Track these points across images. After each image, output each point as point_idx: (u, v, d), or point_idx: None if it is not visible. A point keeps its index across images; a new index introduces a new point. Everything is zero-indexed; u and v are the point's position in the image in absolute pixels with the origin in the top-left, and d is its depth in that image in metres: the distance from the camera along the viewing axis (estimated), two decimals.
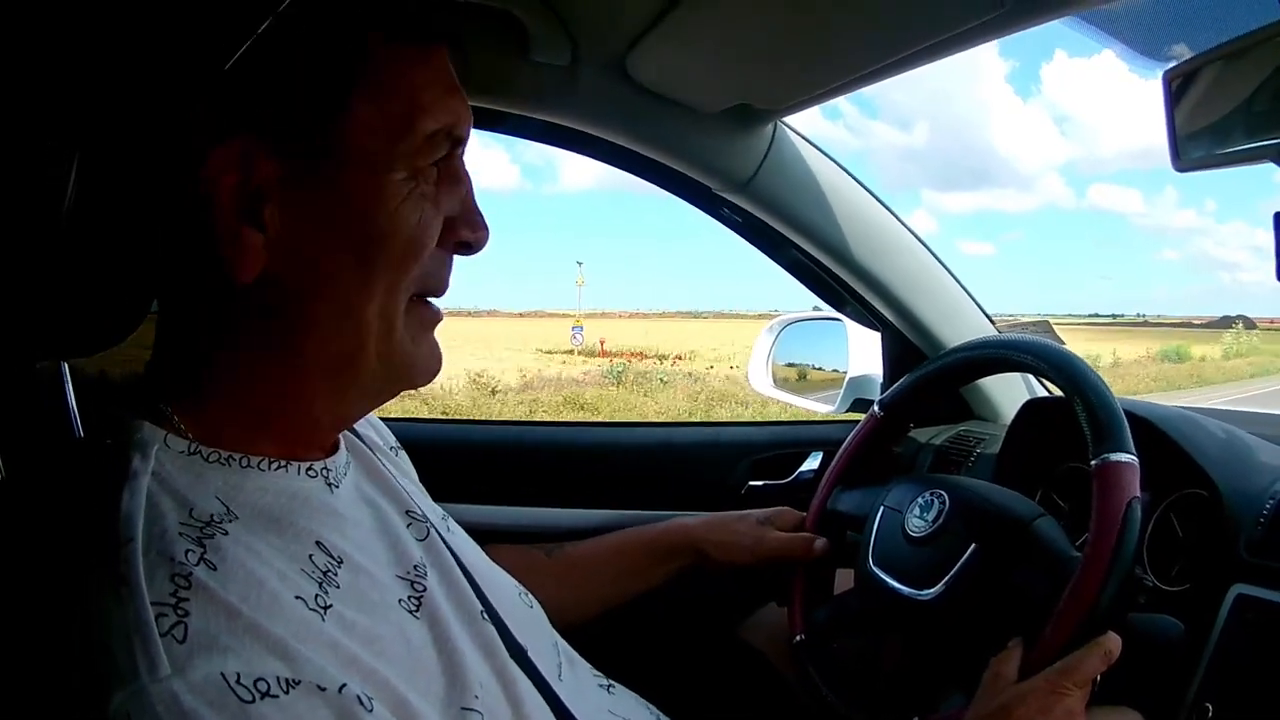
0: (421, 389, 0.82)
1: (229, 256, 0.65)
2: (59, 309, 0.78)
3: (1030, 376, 1.63)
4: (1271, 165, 0.77)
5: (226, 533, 0.61)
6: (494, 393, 12.96)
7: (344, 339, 0.69)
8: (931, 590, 1.02)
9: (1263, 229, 0.77)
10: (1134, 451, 0.92)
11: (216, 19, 0.62)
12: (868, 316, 1.65)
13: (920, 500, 1.09)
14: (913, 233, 1.58)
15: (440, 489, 0.98)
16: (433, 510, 0.88)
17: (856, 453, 1.27)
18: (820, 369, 1.87)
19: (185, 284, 0.70)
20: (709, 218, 1.59)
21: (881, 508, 1.15)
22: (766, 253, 1.62)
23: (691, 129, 1.41)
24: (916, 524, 1.08)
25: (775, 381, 1.89)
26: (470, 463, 1.66)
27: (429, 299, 0.75)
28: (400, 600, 0.70)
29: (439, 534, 0.82)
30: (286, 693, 0.54)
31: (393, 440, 1.00)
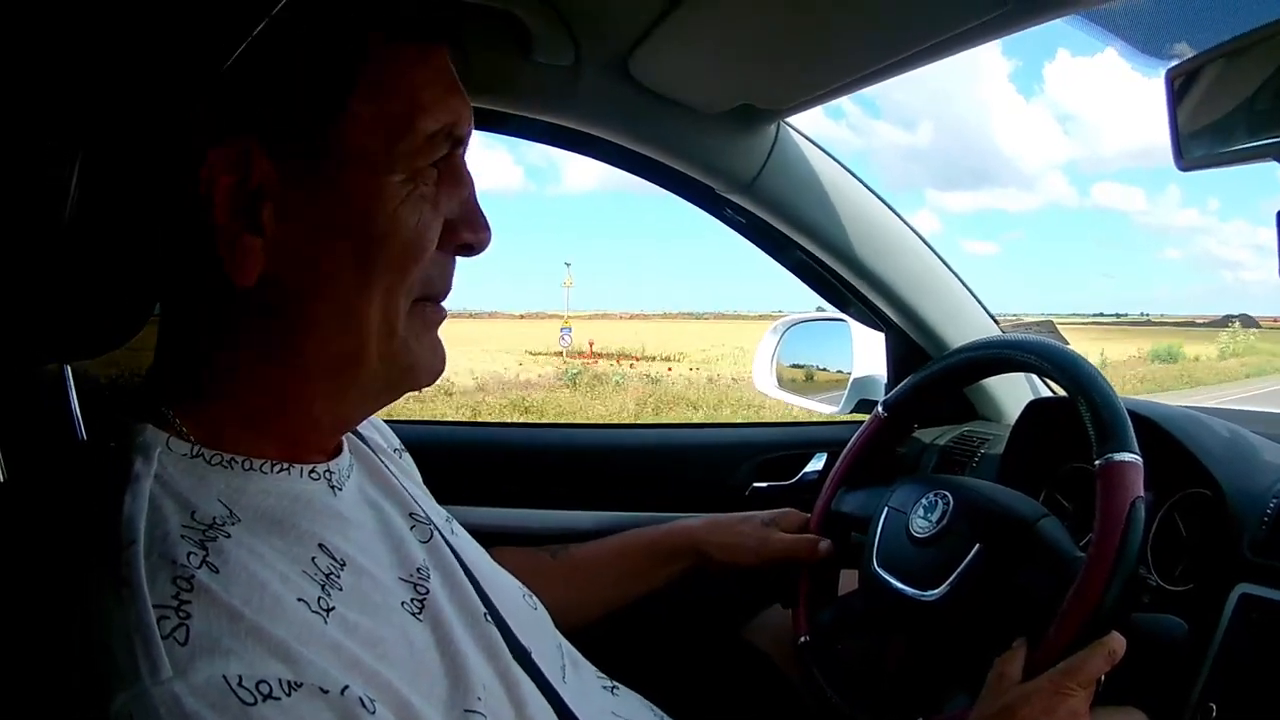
0: None
1: (227, 258, 0.65)
2: (61, 312, 0.78)
3: (1034, 377, 1.63)
4: (1274, 164, 0.77)
5: (229, 535, 0.61)
6: (449, 394, 12.88)
7: (345, 340, 0.69)
8: (936, 591, 1.02)
9: (1264, 227, 0.77)
10: (1138, 451, 0.92)
11: (213, 20, 0.62)
12: (872, 317, 1.65)
13: (924, 501, 1.09)
14: (916, 233, 1.57)
15: (444, 491, 0.98)
16: (436, 512, 0.88)
17: (860, 453, 1.27)
18: (825, 370, 1.87)
19: (186, 286, 0.70)
20: (712, 219, 1.59)
21: (886, 508, 1.15)
22: (770, 254, 1.62)
23: (694, 129, 1.41)
24: (921, 524, 1.07)
25: (780, 382, 1.89)
26: (474, 465, 1.66)
27: (432, 301, 0.74)
28: (403, 603, 0.70)
29: (442, 536, 0.82)
30: (288, 695, 0.54)
31: (396, 442, 1.00)
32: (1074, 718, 0.85)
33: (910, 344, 1.63)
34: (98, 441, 0.69)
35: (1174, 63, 0.83)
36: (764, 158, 1.44)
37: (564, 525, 1.58)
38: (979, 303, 1.63)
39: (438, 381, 0.78)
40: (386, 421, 1.03)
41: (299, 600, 0.61)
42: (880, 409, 1.27)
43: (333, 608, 0.62)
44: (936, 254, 1.59)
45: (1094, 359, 1.04)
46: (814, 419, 1.87)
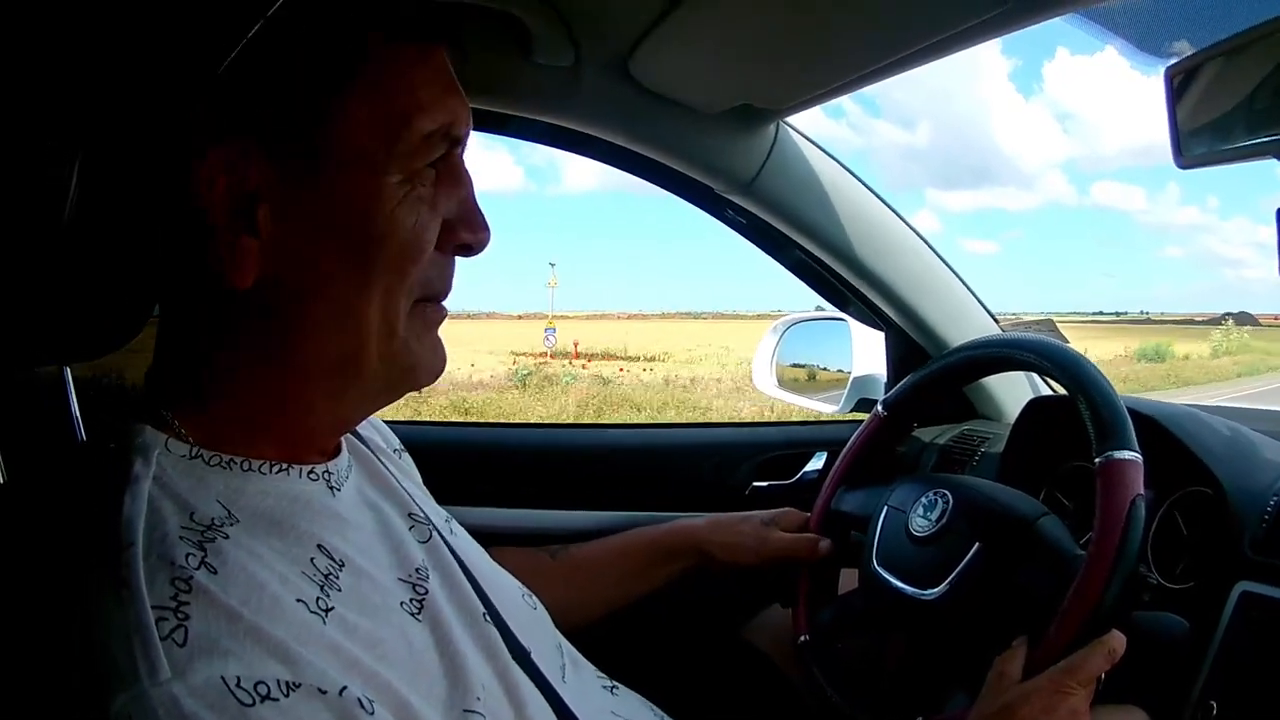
0: None
1: (224, 260, 0.65)
2: (61, 313, 0.78)
3: (1034, 375, 1.63)
4: (1273, 161, 0.77)
5: (227, 536, 0.61)
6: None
7: (344, 340, 0.68)
8: (935, 590, 1.02)
9: (1265, 225, 0.77)
10: (1138, 449, 0.92)
11: (210, 21, 0.62)
12: (871, 316, 1.65)
13: (924, 500, 1.09)
14: (916, 232, 1.57)
15: (444, 491, 0.98)
16: (436, 513, 0.88)
17: (860, 453, 1.27)
18: (824, 369, 1.87)
19: (184, 287, 0.70)
20: (712, 219, 1.59)
21: (885, 507, 1.15)
22: (770, 253, 1.62)
23: (694, 130, 1.41)
24: (920, 523, 1.07)
25: (780, 382, 1.89)
26: (474, 465, 1.66)
27: (432, 302, 0.74)
28: (402, 603, 0.70)
29: (441, 536, 0.82)
30: (287, 696, 0.54)
31: (396, 443, 1.00)
32: (1074, 716, 0.85)
33: (910, 343, 1.63)
34: (97, 443, 0.69)
35: (1173, 60, 0.83)
36: (763, 157, 1.43)
37: (564, 525, 1.58)
38: (978, 301, 1.63)
39: None
40: (386, 422, 1.03)
41: (298, 601, 0.60)
42: (880, 408, 1.27)
43: (331, 608, 0.62)
44: (936, 253, 1.59)
45: None
46: (814, 418, 1.87)
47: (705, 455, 1.72)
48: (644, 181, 1.54)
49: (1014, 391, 1.64)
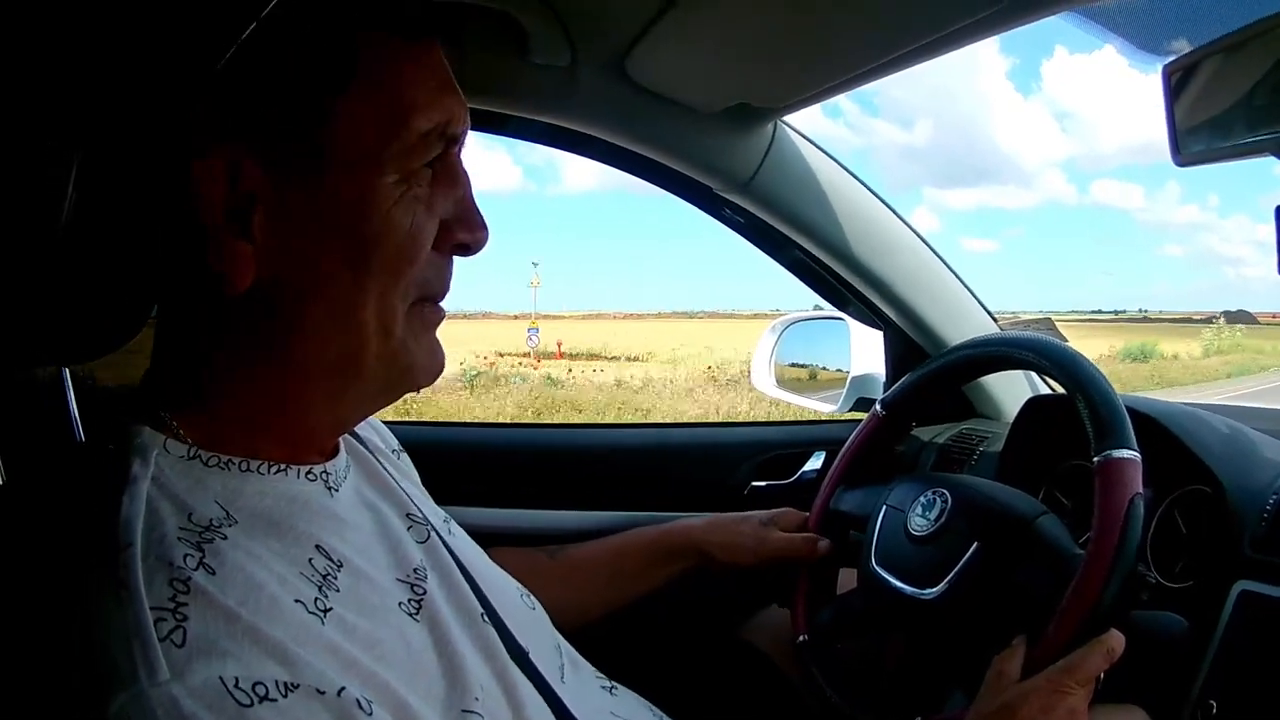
0: None
1: (220, 264, 0.64)
2: (60, 314, 0.78)
3: (1033, 374, 1.63)
4: (1272, 159, 0.77)
5: (225, 537, 0.61)
6: None
7: (342, 342, 0.68)
8: (934, 589, 1.02)
9: (1264, 223, 0.77)
10: (1136, 448, 0.92)
11: (205, 22, 0.62)
12: (870, 315, 1.65)
13: (922, 499, 1.09)
14: (914, 230, 1.57)
15: (443, 492, 0.98)
16: (434, 513, 0.88)
17: (859, 452, 1.27)
18: (823, 368, 1.87)
19: (182, 289, 0.70)
20: (710, 218, 1.59)
21: (884, 507, 1.15)
22: (768, 253, 1.62)
23: (691, 129, 1.41)
24: (919, 523, 1.07)
25: (778, 381, 1.89)
26: (473, 465, 1.66)
27: (430, 302, 0.74)
28: (400, 603, 0.70)
29: (440, 537, 0.82)
30: (285, 696, 0.54)
31: (394, 443, 1.00)
32: (1073, 716, 0.85)
33: (908, 342, 1.63)
34: (96, 443, 0.69)
35: (1171, 58, 0.83)
36: (761, 156, 1.43)
37: (563, 525, 1.58)
38: (977, 300, 1.63)
39: None
40: (385, 422, 1.03)
41: (296, 601, 0.60)
42: (878, 407, 1.27)
43: (330, 609, 0.62)
44: (934, 252, 1.59)
45: None
46: (813, 418, 1.87)
47: (704, 455, 1.72)
48: (643, 181, 1.54)
49: (1013, 390, 1.64)
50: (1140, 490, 0.90)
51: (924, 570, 1.04)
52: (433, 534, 0.81)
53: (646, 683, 1.03)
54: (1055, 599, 0.90)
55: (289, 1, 0.62)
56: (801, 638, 1.19)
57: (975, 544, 1.01)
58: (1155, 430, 1.09)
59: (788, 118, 1.44)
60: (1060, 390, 1.08)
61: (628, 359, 20.18)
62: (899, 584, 1.06)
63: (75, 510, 0.63)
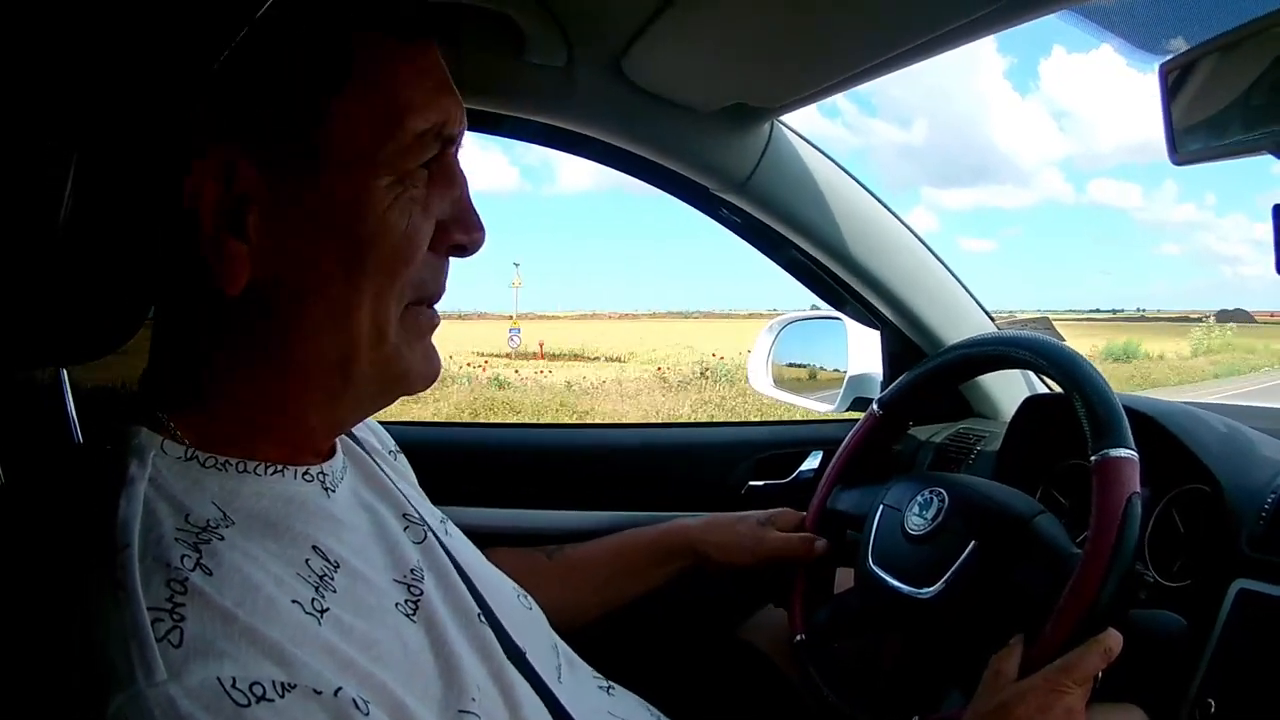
0: None
1: (215, 265, 0.64)
2: (57, 315, 0.77)
3: (1030, 373, 1.63)
4: (1269, 157, 0.77)
5: (223, 538, 0.60)
6: None
7: (336, 345, 0.68)
8: (931, 589, 1.02)
9: (1262, 222, 0.77)
10: (1134, 447, 0.92)
11: (202, 22, 0.62)
12: (867, 315, 1.65)
13: (919, 498, 1.09)
14: (911, 230, 1.58)
15: (440, 492, 0.98)
16: (431, 513, 0.88)
17: (856, 451, 1.27)
18: (820, 368, 1.87)
19: (179, 291, 0.70)
20: (707, 218, 1.59)
21: (881, 506, 1.15)
22: (765, 252, 1.62)
23: (688, 129, 1.41)
24: (916, 522, 1.07)
25: (776, 381, 1.89)
26: (470, 466, 1.66)
27: (425, 304, 0.74)
28: (397, 604, 0.70)
29: (436, 537, 0.82)
30: (282, 697, 0.54)
31: (391, 444, 0.99)
32: (1070, 715, 0.85)
33: (905, 341, 1.63)
34: (93, 444, 0.69)
35: (1168, 57, 0.83)
36: (758, 156, 1.43)
37: (560, 525, 1.58)
38: (974, 299, 1.63)
39: None
40: (382, 423, 1.03)
41: (293, 602, 0.60)
42: (875, 407, 1.27)
43: (326, 609, 0.62)
44: (931, 251, 1.59)
45: None
46: (810, 417, 1.88)
47: (701, 455, 1.72)
48: (640, 181, 1.54)
49: (1010, 390, 1.64)
50: (1138, 489, 0.90)
51: (921, 569, 1.04)
52: (429, 534, 0.81)
53: (644, 682, 1.03)
54: (1053, 598, 0.90)
55: (284, 2, 0.61)
56: (799, 637, 1.19)
57: (972, 543, 1.01)
58: (1153, 429, 1.09)
59: (784, 117, 1.44)
60: (1058, 389, 1.08)
61: (608, 359, 20.00)
62: (896, 583, 1.06)
63: (73, 511, 0.63)
